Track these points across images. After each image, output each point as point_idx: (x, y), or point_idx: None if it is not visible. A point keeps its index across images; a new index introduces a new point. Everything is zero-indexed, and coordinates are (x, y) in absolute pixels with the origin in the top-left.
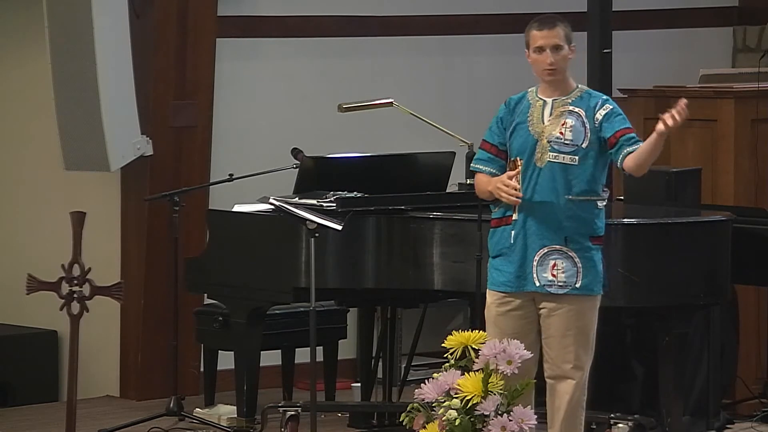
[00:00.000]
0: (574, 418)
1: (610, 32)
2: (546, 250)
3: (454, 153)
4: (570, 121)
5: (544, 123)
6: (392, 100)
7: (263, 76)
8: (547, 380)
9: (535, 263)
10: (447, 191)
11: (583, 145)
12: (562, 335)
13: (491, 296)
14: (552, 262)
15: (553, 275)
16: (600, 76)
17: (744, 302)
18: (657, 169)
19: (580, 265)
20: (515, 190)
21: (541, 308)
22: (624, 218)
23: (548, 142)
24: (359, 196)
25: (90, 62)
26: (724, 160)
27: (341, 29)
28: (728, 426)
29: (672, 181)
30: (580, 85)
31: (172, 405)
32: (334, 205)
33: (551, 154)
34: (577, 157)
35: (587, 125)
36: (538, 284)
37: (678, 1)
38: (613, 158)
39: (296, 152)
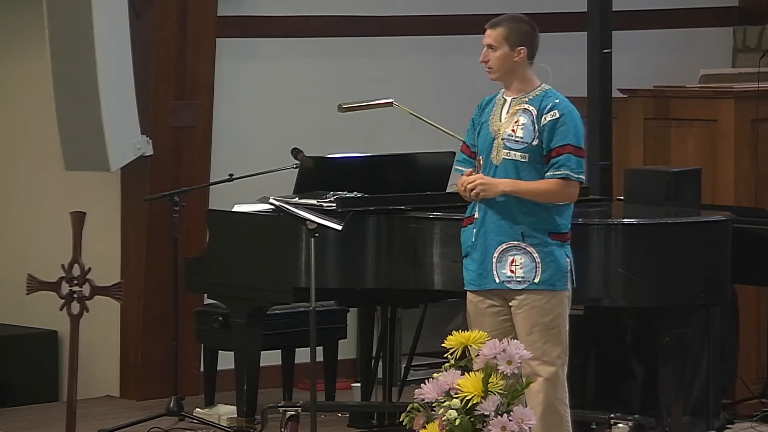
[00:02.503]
0: (552, 417)
1: (610, 32)
2: (504, 246)
3: (454, 153)
4: (522, 119)
5: (501, 121)
6: (392, 100)
7: (263, 76)
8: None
9: (494, 260)
10: (447, 191)
11: (533, 143)
12: (527, 332)
13: (468, 296)
14: (510, 258)
15: (512, 271)
16: (600, 76)
17: (744, 302)
18: (657, 169)
19: (538, 260)
20: (466, 186)
21: (510, 305)
22: (624, 218)
23: (502, 139)
24: (359, 196)
25: (90, 62)
26: (724, 160)
27: (341, 29)
28: (728, 426)
29: (672, 181)
30: (544, 85)
31: (172, 405)
32: (334, 205)
33: (504, 151)
34: (527, 155)
35: (536, 124)
36: (498, 281)
37: (678, 1)
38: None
39: (296, 152)
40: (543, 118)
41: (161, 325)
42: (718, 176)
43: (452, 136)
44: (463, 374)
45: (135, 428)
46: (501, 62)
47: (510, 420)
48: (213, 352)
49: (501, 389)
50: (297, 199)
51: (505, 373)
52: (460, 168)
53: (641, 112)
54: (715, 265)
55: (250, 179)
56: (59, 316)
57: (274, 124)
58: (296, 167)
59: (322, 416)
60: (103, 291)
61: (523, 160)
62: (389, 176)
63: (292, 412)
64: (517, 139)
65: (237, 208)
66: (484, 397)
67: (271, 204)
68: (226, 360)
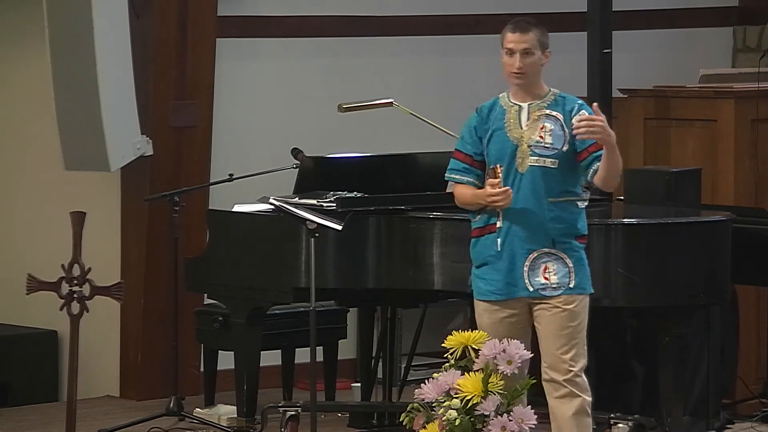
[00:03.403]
0: (584, 420)
1: (610, 32)
2: (536, 254)
3: None
4: (549, 125)
5: (522, 128)
6: (392, 100)
7: (263, 76)
8: (545, 384)
9: (525, 269)
10: (447, 191)
11: (563, 149)
12: (556, 336)
13: (480, 306)
14: (543, 266)
15: (546, 278)
16: (600, 76)
17: (744, 302)
18: (657, 169)
19: (571, 265)
20: (505, 192)
21: (538, 311)
22: (624, 218)
23: (528, 146)
24: (359, 196)
25: (90, 62)
26: (724, 160)
27: (341, 29)
28: (728, 426)
29: (672, 181)
30: (552, 89)
31: (172, 405)
32: (334, 205)
33: (532, 158)
34: (557, 161)
35: (566, 129)
36: (531, 289)
37: (678, 1)
38: (583, 173)
39: (296, 152)
40: (574, 120)
41: (161, 325)
42: (718, 176)
43: (452, 136)
44: (463, 374)
45: (135, 428)
46: (534, 67)
47: (510, 420)
48: (213, 352)
49: (501, 389)
50: (297, 199)
51: (505, 373)
52: (459, 177)
53: (641, 112)
54: (715, 265)
55: (250, 179)
56: (59, 316)
57: (274, 124)
58: (296, 167)
59: (322, 416)
60: (103, 291)
61: (552, 166)
62: (389, 176)
63: (292, 412)
64: (546, 145)
65: (237, 208)
66: (484, 397)
67: (271, 204)
68: (226, 360)
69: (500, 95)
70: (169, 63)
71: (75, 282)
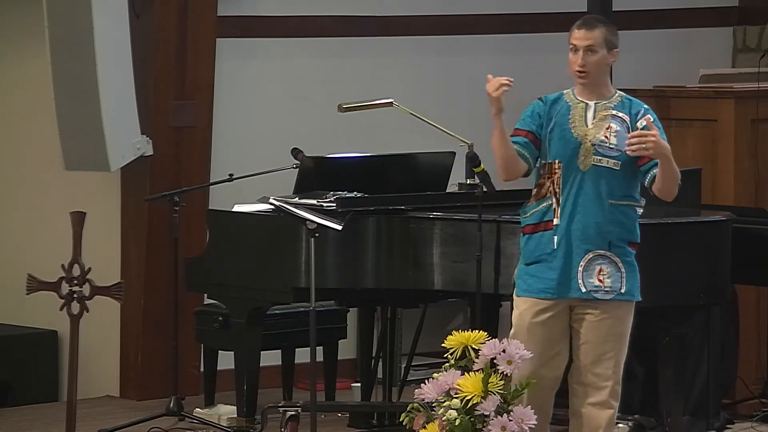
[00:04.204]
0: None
1: None
2: (591, 255)
3: (454, 153)
4: (615, 126)
5: (587, 126)
6: (392, 100)
7: (263, 76)
8: (577, 387)
9: (580, 269)
10: (447, 191)
11: (626, 151)
12: (602, 341)
13: (525, 303)
14: (598, 268)
15: (600, 281)
16: None
17: (744, 302)
18: None
19: (623, 270)
20: (641, 140)
21: (583, 314)
22: None
23: (592, 145)
24: (359, 196)
25: (90, 62)
26: (724, 160)
27: (341, 29)
28: (728, 426)
29: None
30: (619, 91)
31: (172, 405)
32: (334, 205)
33: (595, 157)
34: (620, 162)
35: (631, 131)
36: (584, 290)
37: (678, 1)
38: (642, 178)
39: (296, 152)
40: (638, 123)
41: (161, 325)
42: (718, 176)
43: (452, 136)
44: (463, 374)
45: (135, 428)
46: (598, 66)
47: (510, 420)
48: (213, 352)
49: (502, 389)
50: (297, 199)
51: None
52: (518, 149)
53: None
54: (715, 265)
55: (250, 179)
56: (59, 316)
57: (274, 124)
58: (296, 167)
59: (322, 416)
60: (103, 291)
61: (615, 168)
62: (389, 176)
63: (292, 412)
64: (611, 146)
65: (237, 208)
66: (484, 397)
67: (271, 204)
68: (226, 360)
69: (565, 91)
70: (169, 63)
71: (75, 282)
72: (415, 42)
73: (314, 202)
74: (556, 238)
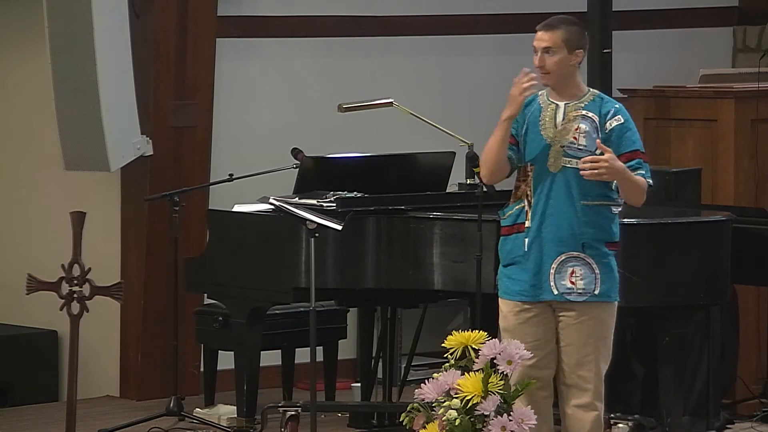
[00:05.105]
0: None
1: (610, 32)
2: (563, 257)
3: (454, 153)
4: (584, 126)
5: (556, 127)
6: (392, 100)
7: (263, 76)
8: (564, 389)
9: (552, 271)
10: (447, 191)
11: (597, 152)
12: (582, 343)
13: (506, 305)
14: (570, 270)
15: (572, 282)
16: (600, 76)
17: (744, 302)
18: (657, 169)
19: (598, 271)
20: (594, 164)
21: (562, 316)
22: (624, 218)
23: (561, 147)
24: (359, 196)
25: (90, 62)
26: (724, 160)
27: (341, 29)
28: (728, 426)
29: (672, 181)
30: (591, 89)
31: (172, 405)
32: (334, 205)
33: (565, 159)
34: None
35: (599, 131)
36: (556, 292)
37: (678, 1)
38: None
39: (296, 152)
40: (608, 124)
41: (161, 325)
42: (718, 176)
43: (452, 136)
44: (463, 374)
45: (135, 428)
46: (559, 67)
47: (510, 420)
48: (213, 352)
49: (501, 389)
50: (297, 199)
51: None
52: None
53: (641, 112)
54: (715, 265)
55: (250, 179)
56: (59, 316)
57: (274, 124)
58: (296, 167)
59: (322, 416)
60: (103, 291)
61: None
62: (389, 176)
63: (292, 412)
64: (580, 147)
65: (237, 208)
66: (484, 397)
67: (271, 204)
68: (226, 360)
69: (540, 93)
70: (169, 63)
71: (75, 282)
72: (415, 42)
73: (314, 202)
74: (527, 240)
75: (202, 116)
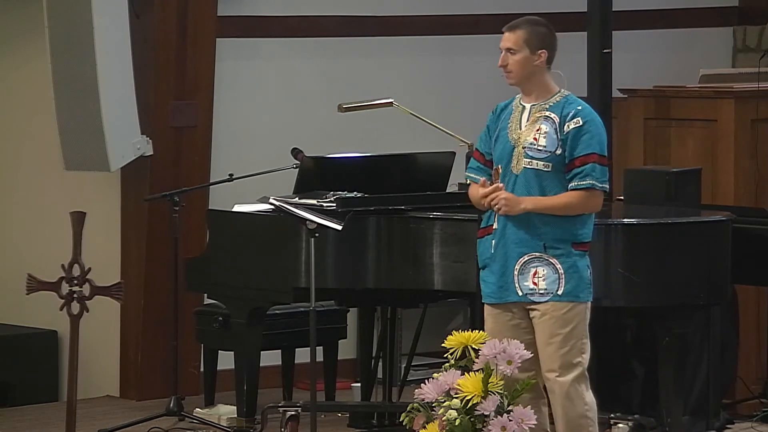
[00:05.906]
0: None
1: (610, 32)
2: (526, 258)
3: (454, 153)
4: (544, 127)
5: (521, 129)
6: (392, 100)
7: (263, 76)
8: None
9: (516, 272)
10: (447, 191)
11: (557, 152)
12: (546, 343)
13: (486, 309)
14: (533, 270)
15: (534, 283)
16: (600, 76)
17: (744, 302)
18: (657, 169)
19: (561, 271)
20: (495, 189)
21: (531, 317)
22: (624, 218)
23: (523, 148)
24: (359, 196)
25: (90, 62)
26: (724, 160)
27: (341, 29)
28: (728, 426)
29: (672, 181)
30: (562, 90)
31: (172, 405)
32: (334, 205)
33: (525, 160)
34: (550, 164)
35: (558, 132)
36: (520, 293)
37: (678, 1)
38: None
39: (296, 152)
40: (566, 126)
41: (161, 325)
42: (718, 176)
43: (452, 136)
44: (463, 374)
45: (135, 428)
46: (521, 66)
47: (510, 420)
48: (213, 352)
49: (501, 389)
50: (297, 199)
51: (505, 373)
52: (473, 176)
53: (641, 112)
54: (715, 265)
55: (250, 179)
56: (59, 316)
57: (274, 124)
58: (296, 167)
59: (322, 416)
60: (103, 291)
61: (546, 169)
62: (389, 176)
63: (292, 412)
64: (539, 147)
65: (237, 208)
66: (484, 397)
67: (271, 204)
68: (226, 360)
69: (517, 96)
70: (169, 63)
71: (75, 282)
72: (415, 42)
73: (314, 202)
74: (493, 242)
75: (202, 116)
